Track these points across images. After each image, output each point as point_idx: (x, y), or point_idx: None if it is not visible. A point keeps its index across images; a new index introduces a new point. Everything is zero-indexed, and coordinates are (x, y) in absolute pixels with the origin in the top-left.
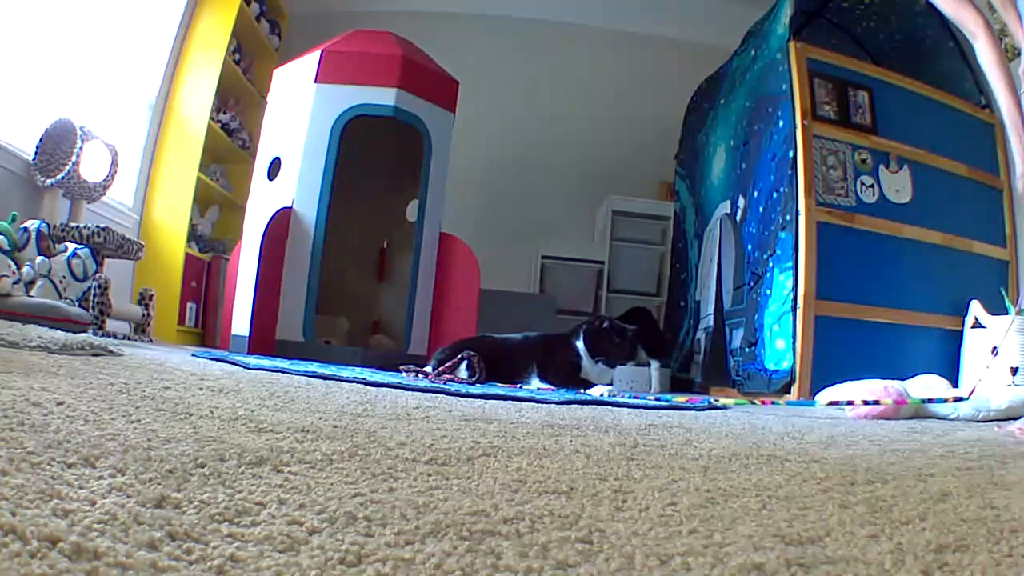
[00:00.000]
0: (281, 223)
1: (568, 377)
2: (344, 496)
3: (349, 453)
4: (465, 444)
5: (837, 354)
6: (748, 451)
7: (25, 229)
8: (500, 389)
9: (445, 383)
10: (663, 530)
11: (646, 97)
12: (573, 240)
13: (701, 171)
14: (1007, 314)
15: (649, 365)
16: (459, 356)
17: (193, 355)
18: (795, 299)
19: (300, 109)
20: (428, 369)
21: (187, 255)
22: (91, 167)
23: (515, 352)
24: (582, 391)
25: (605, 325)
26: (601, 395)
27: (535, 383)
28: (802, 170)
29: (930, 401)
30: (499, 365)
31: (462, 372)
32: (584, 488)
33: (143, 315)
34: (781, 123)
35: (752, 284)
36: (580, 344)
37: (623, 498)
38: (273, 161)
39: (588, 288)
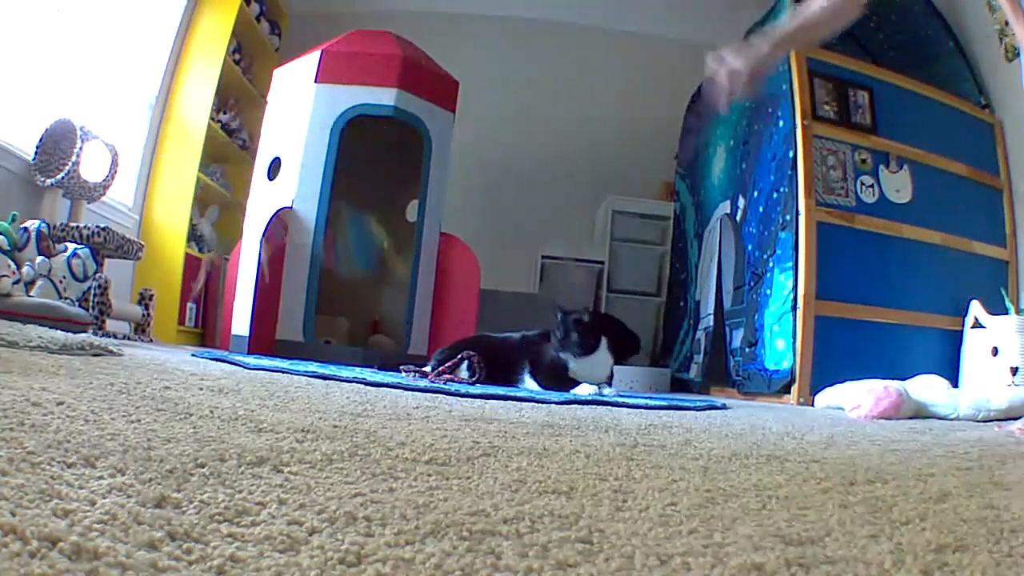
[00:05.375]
0: (281, 223)
1: (557, 378)
2: (344, 496)
3: (349, 453)
4: (465, 444)
5: (837, 354)
6: (748, 451)
7: (25, 229)
8: (500, 389)
9: (445, 383)
10: (663, 530)
11: (646, 97)
12: (573, 240)
13: (701, 171)
14: (1007, 314)
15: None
16: (460, 356)
17: (193, 355)
18: (795, 299)
19: (300, 109)
20: (428, 369)
21: (187, 255)
22: (91, 167)
23: (513, 352)
24: (569, 390)
25: (558, 316)
26: (589, 395)
27: (528, 382)
28: (802, 170)
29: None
30: (498, 365)
31: (463, 372)
32: (584, 488)
33: (143, 315)
34: (781, 123)
35: (752, 284)
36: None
37: (623, 498)
38: (273, 161)
39: (588, 288)
